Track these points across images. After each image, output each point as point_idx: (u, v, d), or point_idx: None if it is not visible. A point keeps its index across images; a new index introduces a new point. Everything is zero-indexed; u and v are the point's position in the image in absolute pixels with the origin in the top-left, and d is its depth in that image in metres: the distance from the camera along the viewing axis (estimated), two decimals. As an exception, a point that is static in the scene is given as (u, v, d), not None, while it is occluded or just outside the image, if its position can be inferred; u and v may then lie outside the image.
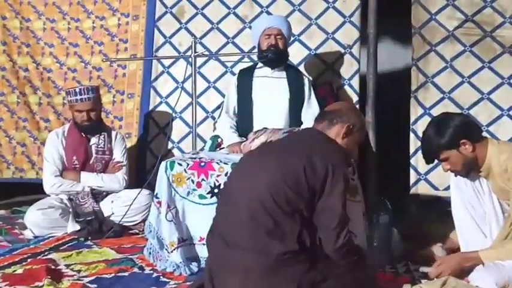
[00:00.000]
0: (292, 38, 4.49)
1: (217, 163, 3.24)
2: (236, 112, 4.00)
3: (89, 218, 3.89)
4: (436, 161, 3.06)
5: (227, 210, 2.51)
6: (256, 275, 2.32)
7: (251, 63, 4.19)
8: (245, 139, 3.78)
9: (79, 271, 3.08)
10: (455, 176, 3.01)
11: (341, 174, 2.41)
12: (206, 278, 2.53)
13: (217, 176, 3.21)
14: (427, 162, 3.05)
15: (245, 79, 3.99)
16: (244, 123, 3.91)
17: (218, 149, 3.83)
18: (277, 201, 2.35)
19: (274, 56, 3.84)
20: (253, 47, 4.40)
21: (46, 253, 3.41)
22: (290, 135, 3.16)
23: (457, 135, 2.84)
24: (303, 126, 3.83)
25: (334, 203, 2.38)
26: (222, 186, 3.15)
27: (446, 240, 3.25)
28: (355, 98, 4.47)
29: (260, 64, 4.00)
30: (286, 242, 2.33)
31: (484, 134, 3.19)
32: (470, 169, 2.93)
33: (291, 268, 2.32)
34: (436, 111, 4.05)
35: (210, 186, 3.22)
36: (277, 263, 2.31)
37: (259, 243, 2.33)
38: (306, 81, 4.01)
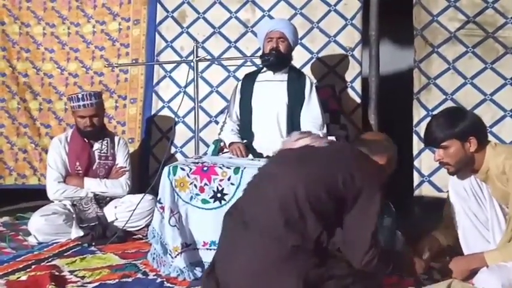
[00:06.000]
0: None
1: (220, 167, 3.23)
2: (238, 117, 4.00)
3: (93, 224, 3.88)
4: (438, 164, 3.04)
5: (257, 194, 2.53)
6: (267, 262, 2.34)
7: (254, 68, 4.18)
8: (246, 141, 3.81)
9: (83, 277, 3.07)
10: (448, 172, 2.98)
11: (379, 195, 2.44)
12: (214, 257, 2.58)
13: (220, 180, 3.20)
14: (426, 144, 3.05)
15: (247, 84, 3.99)
16: (244, 128, 3.92)
17: (221, 153, 3.83)
18: (310, 197, 2.38)
19: (276, 60, 3.83)
20: (256, 51, 4.41)
21: (50, 259, 3.41)
22: (335, 145, 3.16)
23: (469, 129, 2.83)
24: (302, 129, 3.81)
25: (368, 221, 2.42)
26: (227, 188, 3.17)
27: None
28: (357, 101, 4.47)
29: (265, 68, 3.99)
30: (305, 239, 2.36)
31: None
32: (461, 168, 2.91)
33: (302, 261, 2.34)
34: (438, 113, 4.05)
35: (213, 191, 3.21)
36: (290, 254, 2.33)
37: (279, 232, 2.35)
38: (308, 82, 3.95)
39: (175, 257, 3.15)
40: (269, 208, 2.41)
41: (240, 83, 4.07)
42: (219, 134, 3.95)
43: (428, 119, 4.04)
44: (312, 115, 3.86)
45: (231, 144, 3.79)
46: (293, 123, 3.86)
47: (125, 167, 4.21)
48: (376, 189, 2.44)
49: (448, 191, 3.12)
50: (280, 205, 2.39)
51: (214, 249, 3.16)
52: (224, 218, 2.62)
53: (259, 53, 4.01)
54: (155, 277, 3.09)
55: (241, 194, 2.68)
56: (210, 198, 3.22)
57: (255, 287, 2.37)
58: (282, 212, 2.37)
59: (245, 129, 3.91)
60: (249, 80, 4.00)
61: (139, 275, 3.11)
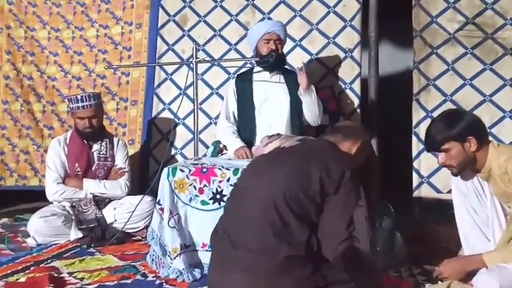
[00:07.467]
0: (293, 43, 4.52)
1: (219, 169, 3.23)
2: (236, 117, 4.00)
3: (92, 225, 3.89)
4: (438, 165, 3.04)
5: (237, 209, 2.51)
6: (261, 276, 2.32)
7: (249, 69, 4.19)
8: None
9: (82, 279, 3.07)
10: (452, 173, 2.99)
11: (355, 183, 2.44)
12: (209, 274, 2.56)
13: (220, 181, 3.20)
14: (428, 150, 3.05)
15: (244, 84, 3.99)
16: (246, 128, 3.91)
17: (220, 154, 3.83)
18: (289, 203, 2.36)
19: (275, 61, 3.84)
20: (256, 53, 4.43)
21: (49, 261, 3.42)
22: (305, 143, 3.16)
23: (468, 130, 2.84)
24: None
25: (344, 211, 2.39)
26: (226, 190, 3.16)
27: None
28: (356, 102, 4.47)
29: (257, 68, 4.01)
30: (294, 246, 2.33)
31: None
32: (464, 168, 2.92)
33: (296, 271, 2.31)
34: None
35: (212, 192, 3.21)
36: (283, 265, 2.31)
37: (267, 244, 2.33)
38: None
39: (175, 258, 3.15)
40: (252, 223, 2.38)
41: (233, 83, 4.06)
42: (220, 138, 3.95)
43: (428, 120, 4.13)
44: None
45: (236, 150, 3.77)
46: (297, 122, 3.89)
47: (124, 168, 4.22)
48: (354, 177, 2.42)
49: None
50: (262, 217, 2.37)
51: (213, 251, 3.19)
52: (211, 237, 2.59)
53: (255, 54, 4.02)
54: (154, 279, 3.09)
55: (223, 211, 2.66)
56: (209, 199, 3.22)
57: None
58: (267, 224, 2.35)
59: (248, 129, 3.91)
60: (245, 80, 4.00)
61: (139, 277, 3.12)
